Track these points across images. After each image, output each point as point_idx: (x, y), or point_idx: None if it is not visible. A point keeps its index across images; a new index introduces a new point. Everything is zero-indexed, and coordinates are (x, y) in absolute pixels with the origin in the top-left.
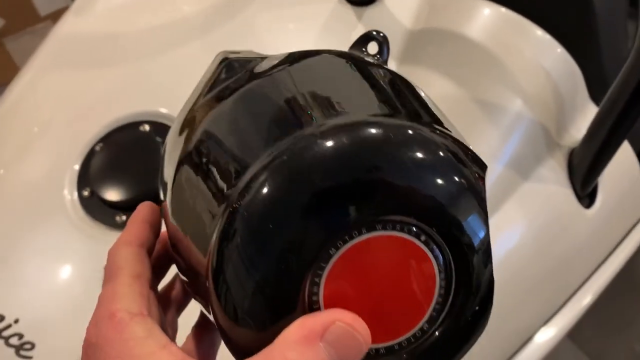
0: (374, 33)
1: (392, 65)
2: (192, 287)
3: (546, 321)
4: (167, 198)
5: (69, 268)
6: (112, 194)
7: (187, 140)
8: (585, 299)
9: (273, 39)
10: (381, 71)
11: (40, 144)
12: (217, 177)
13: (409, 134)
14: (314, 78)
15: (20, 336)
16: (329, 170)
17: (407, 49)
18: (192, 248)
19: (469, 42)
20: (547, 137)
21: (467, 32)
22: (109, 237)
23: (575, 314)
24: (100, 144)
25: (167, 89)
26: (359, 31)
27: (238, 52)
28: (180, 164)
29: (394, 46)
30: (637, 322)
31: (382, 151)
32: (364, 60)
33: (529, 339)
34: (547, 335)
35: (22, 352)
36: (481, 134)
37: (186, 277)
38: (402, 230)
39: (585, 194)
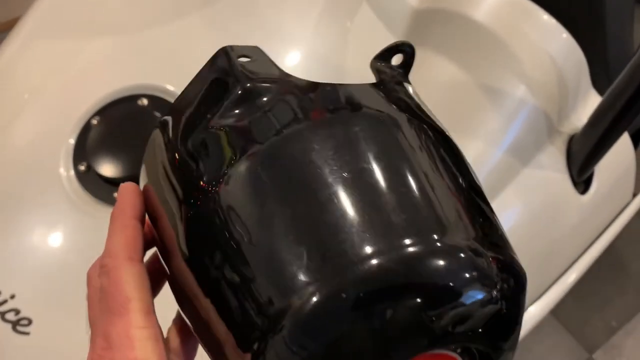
0: (403, 46)
1: None
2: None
3: (534, 300)
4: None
5: (66, 244)
6: (109, 170)
7: (198, 196)
8: (570, 277)
9: (275, 14)
10: (432, 148)
11: (31, 113)
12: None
13: (465, 267)
14: (360, 172)
15: (17, 312)
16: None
17: (412, 28)
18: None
19: (475, 24)
20: (549, 123)
21: (473, 13)
22: (106, 213)
23: (560, 292)
24: (97, 118)
25: (166, 62)
26: (364, 8)
27: (243, 54)
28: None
29: (399, 24)
30: (614, 299)
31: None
32: (412, 129)
33: None
34: (532, 312)
35: (19, 328)
36: (483, 119)
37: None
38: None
39: (582, 180)
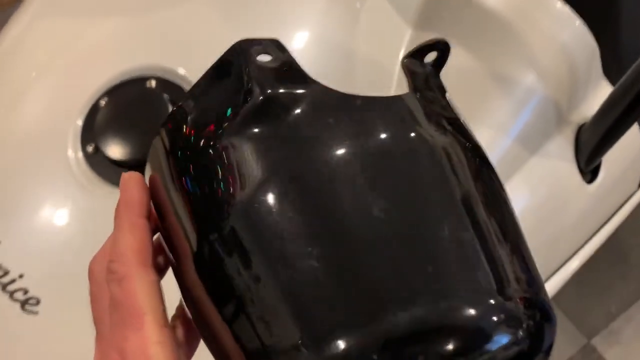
0: (438, 44)
1: (406, 30)
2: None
3: None
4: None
5: (74, 225)
6: (118, 152)
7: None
8: (572, 265)
9: None
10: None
11: (39, 91)
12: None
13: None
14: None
15: (25, 291)
16: None
17: (422, 13)
18: None
19: (485, 10)
20: (558, 112)
21: None
22: (114, 195)
23: (563, 279)
24: (105, 99)
25: (176, 44)
26: None
27: (262, 50)
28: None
29: (409, 8)
30: (614, 286)
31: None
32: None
33: None
34: None
35: (27, 307)
36: (492, 107)
37: None
38: None
39: (589, 169)
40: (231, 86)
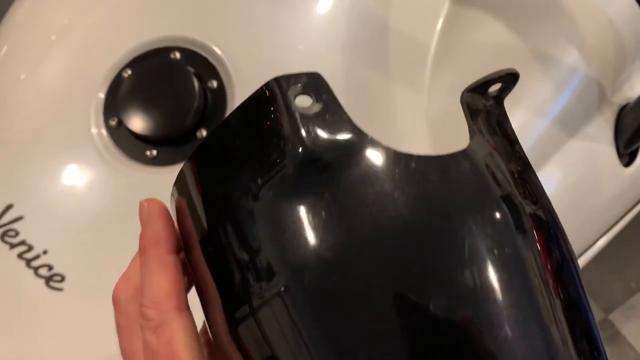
0: (506, 77)
1: (444, 4)
2: None
3: None
4: None
5: (97, 201)
6: (141, 126)
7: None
8: (599, 243)
9: None
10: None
11: (59, 57)
12: None
13: None
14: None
15: (50, 267)
16: None
17: None
18: None
19: None
20: (600, 93)
21: None
22: (137, 170)
23: (589, 257)
24: (128, 71)
25: (201, 12)
26: None
27: (301, 90)
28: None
29: None
30: (634, 261)
31: None
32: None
33: None
34: None
35: (52, 284)
36: (531, 86)
37: None
38: None
39: (627, 152)
40: (268, 134)
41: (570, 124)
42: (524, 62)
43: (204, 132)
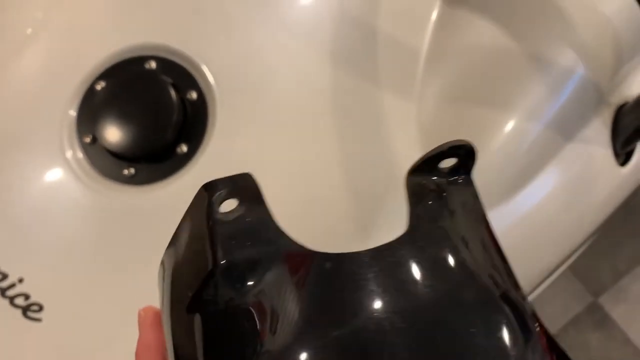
0: (458, 149)
1: (434, 4)
2: None
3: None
4: None
5: (73, 224)
6: (118, 143)
7: None
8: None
9: None
10: None
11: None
12: None
13: None
14: None
15: (27, 296)
16: None
17: None
18: None
19: None
20: (598, 94)
21: None
22: (114, 191)
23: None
24: (102, 83)
25: (175, 19)
26: None
27: (228, 195)
28: None
29: None
30: (622, 243)
31: None
32: None
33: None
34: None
35: (30, 314)
36: (526, 89)
37: None
38: None
39: (624, 152)
40: (197, 247)
41: (566, 126)
42: (518, 64)
43: (184, 148)
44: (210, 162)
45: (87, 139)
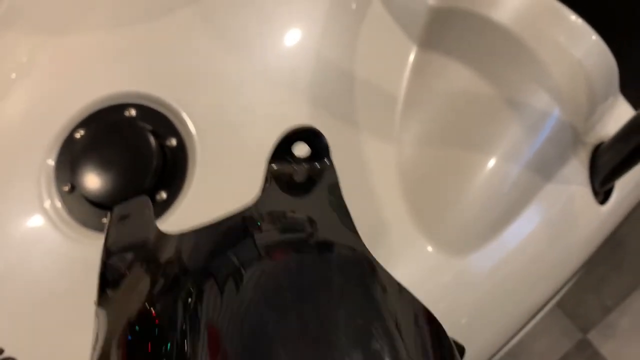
0: (304, 133)
1: (411, 48)
2: None
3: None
4: None
5: (50, 274)
6: (97, 192)
7: None
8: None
9: (276, 6)
10: None
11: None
12: None
13: None
14: None
15: (1, 351)
16: None
17: (427, 31)
18: None
19: (495, 25)
20: (574, 135)
21: (493, 14)
22: (94, 239)
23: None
24: (81, 131)
25: (154, 67)
26: (375, 4)
27: (125, 213)
28: None
29: (413, 23)
30: (610, 278)
31: None
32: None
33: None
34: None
35: None
36: (503, 131)
37: None
38: None
39: (603, 190)
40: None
41: (545, 167)
42: (494, 107)
43: (163, 195)
44: (190, 208)
45: (66, 188)
